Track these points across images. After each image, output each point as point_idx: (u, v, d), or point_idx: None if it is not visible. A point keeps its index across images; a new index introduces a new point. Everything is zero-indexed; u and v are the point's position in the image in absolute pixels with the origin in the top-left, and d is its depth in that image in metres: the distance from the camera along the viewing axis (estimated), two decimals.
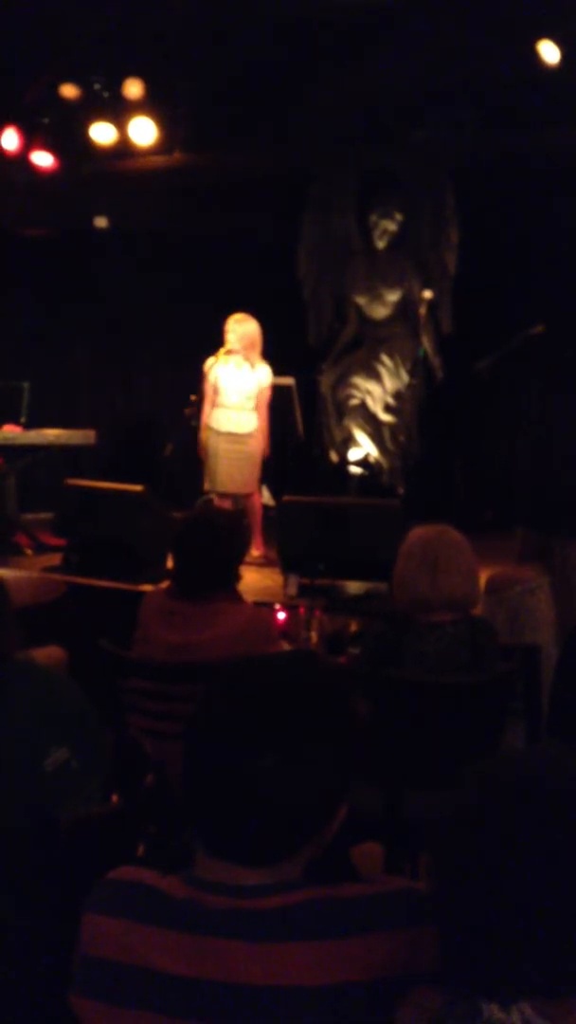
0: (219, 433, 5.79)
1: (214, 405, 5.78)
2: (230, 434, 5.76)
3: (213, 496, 5.93)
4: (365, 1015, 1.05)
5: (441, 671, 2.59)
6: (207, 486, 5.90)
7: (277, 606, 3.40)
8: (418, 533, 2.72)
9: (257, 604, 3.66)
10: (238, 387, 5.75)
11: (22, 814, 1.68)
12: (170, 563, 5.33)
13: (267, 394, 5.84)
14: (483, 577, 3.27)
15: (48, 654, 2.16)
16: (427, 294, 6.81)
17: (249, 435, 5.79)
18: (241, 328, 5.70)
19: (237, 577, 2.86)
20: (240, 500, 5.88)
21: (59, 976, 1.21)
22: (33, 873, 1.58)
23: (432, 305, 6.96)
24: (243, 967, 1.06)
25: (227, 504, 5.90)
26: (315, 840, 1.14)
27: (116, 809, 1.74)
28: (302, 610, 3.28)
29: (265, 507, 6.23)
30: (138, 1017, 1.07)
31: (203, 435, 5.83)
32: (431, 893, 1.07)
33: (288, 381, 6.92)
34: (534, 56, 5.79)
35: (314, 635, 3.23)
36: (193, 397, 5.71)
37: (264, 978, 1.05)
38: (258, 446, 5.83)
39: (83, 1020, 1.10)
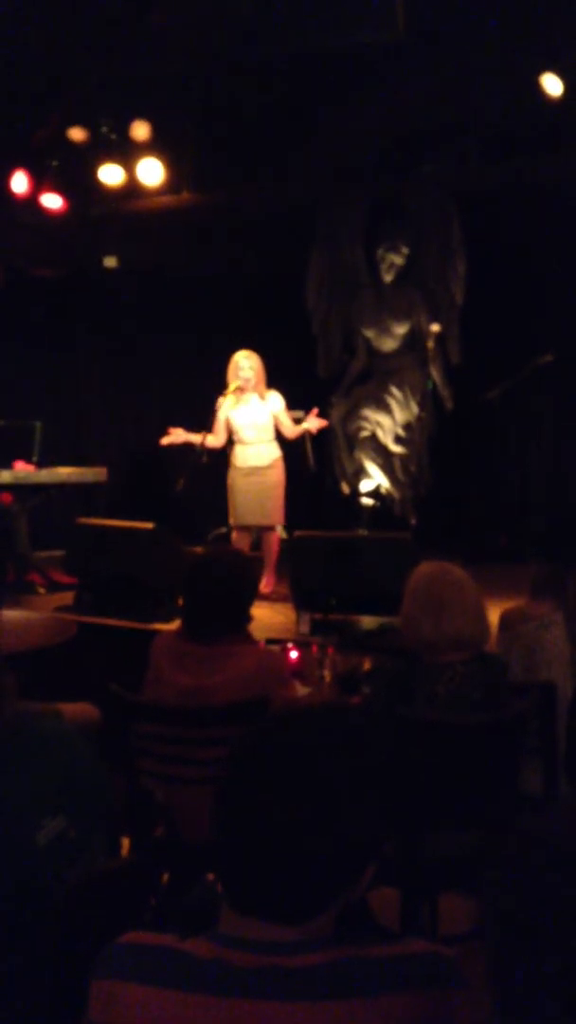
0: (238, 469, 5.85)
1: (232, 443, 5.83)
2: (250, 468, 5.81)
3: (232, 530, 5.96)
4: None
5: (453, 710, 2.56)
6: (231, 520, 5.94)
7: (289, 645, 3.38)
8: (422, 571, 2.69)
9: (269, 641, 3.65)
10: (252, 422, 5.80)
11: (9, 892, 1.56)
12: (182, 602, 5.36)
13: (285, 416, 5.85)
14: (497, 611, 3.24)
15: (79, 711, 2.07)
16: (435, 328, 6.84)
17: (268, 467, 5.84)
18: (252, 362, 5.75)
19: (248, 618, 2.84)
20: (259, 534, 5.89)
21: None
22: (26, 947, 1.52)
23: (440, 337, 6.98)
24: None
25: (245, 538, 5.91)
26: (347, 896, 1.13)
27: (125, 864, 1.68)
28: (315, 649, 3.26)
29: (282, 541, 6.23)
30: None
31: (229, 474, 5.87)
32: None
33: (299, 415, 6.94)
34: (537, 88, 5.84)
35: (327, 674, 3.20)
36: (203, 436, 5.74)
37: None
38: (279, 477, 5.85)
39: None
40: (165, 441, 5.87)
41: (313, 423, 5.95)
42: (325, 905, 1.11)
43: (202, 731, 2.53)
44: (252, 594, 2.83)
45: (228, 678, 2.62)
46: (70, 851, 1.66)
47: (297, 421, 5.98)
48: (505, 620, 3.17)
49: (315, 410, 5.99)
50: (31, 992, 1.50)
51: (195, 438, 5.78)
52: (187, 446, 5.83)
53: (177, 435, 5.84)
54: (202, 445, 5.70)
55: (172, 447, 5.90)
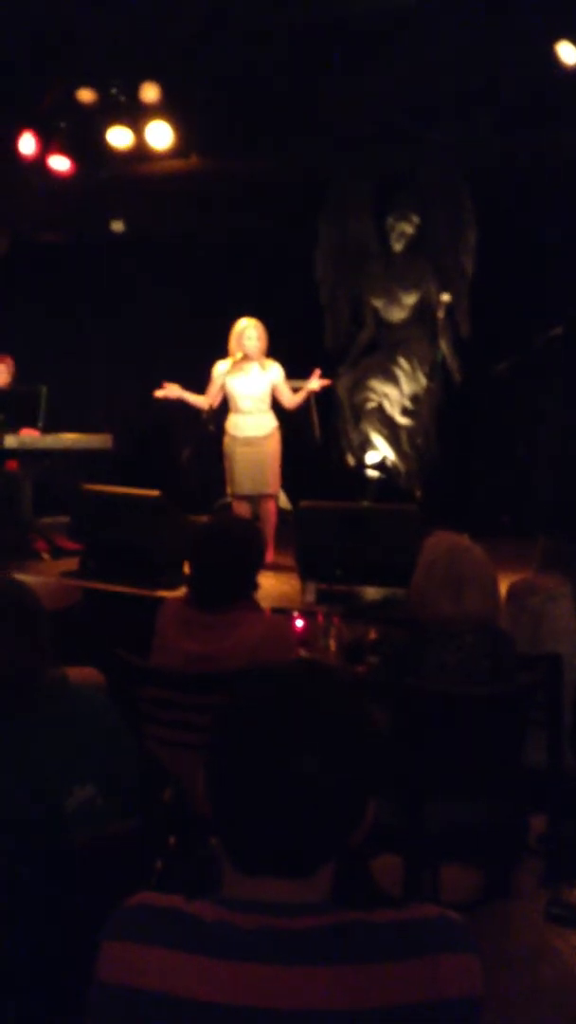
0: (236, 439, 5.80)
1: (229, 411, 5.79)
2: (247, 438, 5.76)
3: (231, 499, 5.93)
4: None
5: (461, 681, 2.56)
6: (228, 490, 5.91)
7: (295, 614, 3.39)
8: (441, 546, 2.66)
9: (274, 610, 3.65)
10: (250, 392, 5.74)
11: (35, 856, 1.57)
12: (187, 569, 5.36)
13: (285, 386, 5.81)
14: (503, 585, 3.24)
15: (84, 675, 2.07)
16: (445, 297, 6.78)
17: (265, 437, 5.78)
18: (257, 332, 5.69)
19: (255, 586, 2.84)
20: (257, 503, 5.86)
21: (74, 1002, 1.19)
22: (47, 900, 1.53)
23: (450, 308, 6.93)
24: (276, 991, 1.05)
25: (244, 507, 5.89)
26: (343, 848, 1.13)
27: (135, 827, 1.69)
28: (320, 618, 3.27)
29: (282, 511, 6.21)
30: None
31: (224, 442, 5.83)
32: None
33: (299, 384, 6.90)
34: (552, 57, 5.75)
35: (332, 643, 3.21)
36: (207, 404, 5.70)
37: (297, 1002, 1.04)
38: (276, 446, 5.82)
39: None
40: (159, 394, 5.82)
41: (315, 383, 5.88)
42: (325, 855, 1.11)
43: (207, 697, 2.53)
44: (259, 562, 2.82)
45: (235, 645, 2.62)
46: (96, 819, 1.67)
47: (296, 391, 5.93)
48: (512, 592, 3.17)
49: (317, 371, 5.91)
50: (42, 951, 1.51)
51: (197, 400, 5.74)
52: (194, 413, 5.79)
53: (172, 390, 5.79)
54: (208, 413, 5.67)
55: (168, 401, 5.84)
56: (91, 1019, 1.10)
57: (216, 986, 1.05)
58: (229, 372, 5.68)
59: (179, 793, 2.00)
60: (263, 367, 5.74)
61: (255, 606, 2.82)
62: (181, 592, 4.72)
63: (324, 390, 6.77)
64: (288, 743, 1.09)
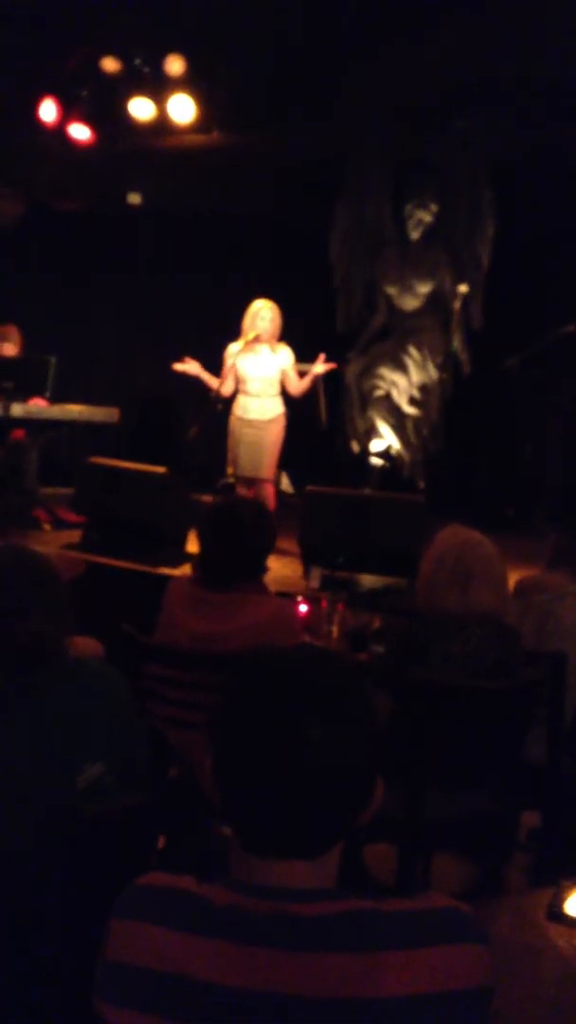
0: (242, 420, 5.76)
1: (237, 392, 5.75)
2: (252, 421, 5.73)
3: (233, 480, 5.90)
4: None
5: (466, 674, 2.56)
6: (230, 470, 5.87)
7: (299, 598, 3.38)
8: (452, 540, 2.64)
9: (278, 595, 3.64)
10: (260, 374, 5.69)
11: (42, 833, 1.56)
12: (190, 547, 5.36)
13: (294, 372, 5.76)
14: (510, 580, 3.23)
15: (85, 645, 2.06)
16: (463, 288, 6.73)
17: (270, 421, 5.74)
18: (272, 314, 5.65)
19: (264, 568, 2.83)
20: (254, 486, 5.84)
21: (79, 978, 1.19)
22: (56, 876, 1.52)
23: (464, 300, 6.90)
24: (287, 977, 1.04)
25: (244, 489, 5.87)
26: (352, 828, 1.13)
27: (141, 803, 1.68)
28: (324, 604, 3.26)
29: (283, 494, 6.19)
30: None
31: (230, 422, 5.79)
32: None
33: (307, 368, 6.87)
34: None
35: (335, 629, 3.21)
36: (220, 383, 5.66)
37: (307, 989, 1.04)
38: (279, 432, 5.78)
39: None
40: (178, 367, 5.75)
41: (320, 367, 5.81)
42: (337, 833, 1.12)
43: (211, 676, 2.53)
44: (270, 544, 2.82)
45: (242, 626, 2.62)
46: (104, 795, 1.66)
47: (303, 376, 5.88)
48: (520, 588, 3.16)
49: (322, 355, 5.85)
50: (50, 928, 1.51)
51: (211, 380, 5.70)
52: (203, 391, 5.75)
53: (191, 366, 5.73)
54: (218, 393, 5.63)
55: (177, 377, 5.78)
56: (99, 997, 1.10)
57: (227, 969, 1.05)
58: (240, 353, 5.63)
59: (185, 770, 1.99)
60: (274, 350, 5.69)
61: (263, 588, 2.82)
62: (183, 570, 4.73)
63: (332, 375, 6.73)
64: (296, 722, 1.09)
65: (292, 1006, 1.03)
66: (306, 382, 5.78)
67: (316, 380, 5.87)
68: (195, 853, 1.79)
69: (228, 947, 1.06)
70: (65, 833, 1.53)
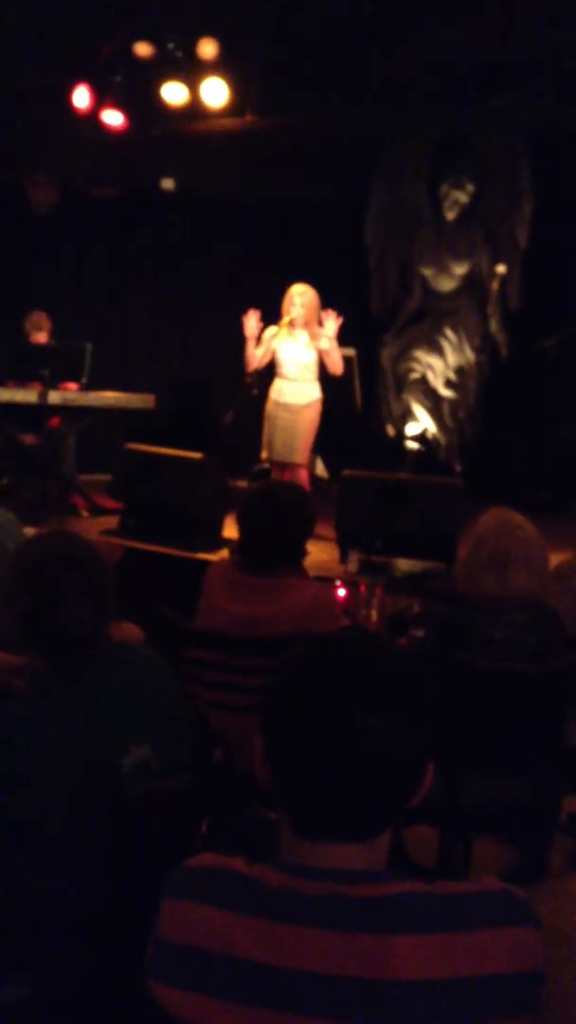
0: (278, 404, 5.74)
1: (274, 376, 5.73)
2: (287, 405, 5.70)
3: (268, 465, 5.89)
4: (464, 1012, 1.04)
5: (508, 658, 2.55)
6: (264, 455, 5.86)
7: (338, 583, 3.38)
8: (492, 522, 2.63)
9: (316, 579, 3.65)
10: (297, 358, 5.66)
11: (90, 814, 1.58)
12: (227, 532, 5.37)
13: (335, 353, 5.64)
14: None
15: (125, 631, 2.08)
16: (501, 269, 6.65)
17: (306, 406, 5.70)
18: (305, 299, 5.61)
19: (303, 552, 2.83)
20: (290, 471, 5.83)
21: (129, 959, 1.20)
22: (105, 859, 1.54)
23: (503, 280, 6.82)
24: (337, 958, 1.05)
25: (279, 473, 5.85)
26: (404, 811, 1.13)
27: (186, 785, 1.69)
28: (363, 588, 3.26)
29: (318, 479, 6.17)
30: (229, 1007, 1.06)
31: (267, 406, 5.77)
32: None
33: (349, 352, 6.83)
34: None
35: (374, 614, 3.21)
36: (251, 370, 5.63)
37: (358, 970, 1.04)
38: (314, 416, 5.75)
39: (166, 1007, 1.09)
40: (246, 319, 5.56)
41: (331, 324, 5.54)
42: (389, 816, 1.12)
43: (253, 660, 2.54)
44: (310, 528, 2.82)
45: (281, 610, 2.63)
46: (150, 778, 1.67)
47: (346, 359, 5.81)
48: (558, 573, 3.13)
49: (331, 311, 5.59)
50: (102, 905, 1.52)
51: (252, 353, 5.54)
52: (238, 374, 5.72)
53: (252, 323, 5.54)
54: (253, 375, 5.61)
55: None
56: (151, 977, 1.11)
57: (279, 950, 1.06)
58: (278, 336, 5.62)
59: (228, 753, 2.01)
60: (313, 336, 5.65)
61: (303, 572, 2.82)
62: (221, 554, 4.75)
63: (367, 358, 6.69)
64: (350, 704, 1.09)
65: (342, 987, 1.04)
66: (335, 356, 5.59)
67: (333, 341, 5.63)
68: (239, 836, 1.80)
69: (279, 928, 1.07)
70: (112, 815, 1.54)
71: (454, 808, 2.56)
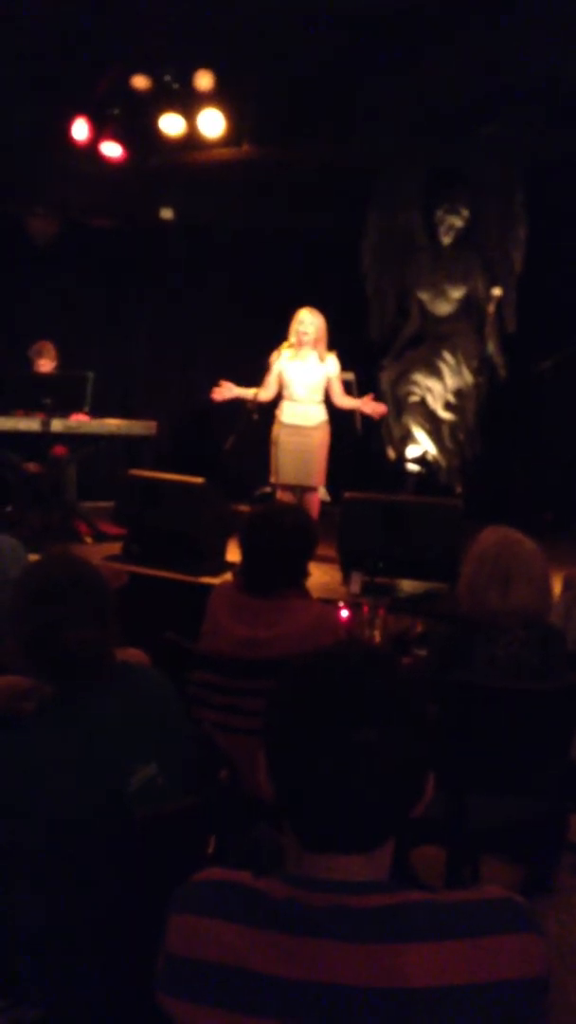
0: (285, 425, 5.75)
1: (281, 398, 5.76)
2: (295, 427, 5.72)
3: (275, 488, 5.91)
4: (475, 1019, 1.05)
5: (511, 676, 2.56)
6: (272, 478, 5.87)
7: (341, 604, 3.39)
8: (492, 539, 2.65)
9: (319, 601, 3.66)
10: (305, 380, 5.69)
11: (98, 836, 1.59)
12: (230, 556, 5.39)
13: (338, 382, 5.78)
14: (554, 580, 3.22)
15: (130, 656, 2.09)
16: (497, 291, 6.69)
17: (314, 428, 5.71)
18: (315, 320, 5.64)
19: (306, 573, 2.85)
20: (300, 494, 5.84)
21: (138, 974, 1.21)
22: (112, 879, 1.54)
23: (498, 303, 6.88)
24: (345, 968, 1.06)
25: (288, 496, 5.87)
26: (405, 821, 1.15)
27: (192, 805, 1.70)
28: (366, 609, 3.27)
29: (320, 502, 6.19)
30: (238, 1019, 1.07)
31: (273, 429, 5.81)
32: None
33: (349, 376, 6.87)
34: None
35: (377, 634, 3.22)
36: (255, 392, 5.69)
37: (366, 980, 1.05)
38: (324, 438, 5.77)
39: (176, 1020, 1.10)
40: (217, 395, 5.79)
41: (369, 406, 5.84)
42: (391, 826, 1.13)
43: (257, 682, 2.55)
44: (312, 550, 2.83)
45: (284, 631, 2.64)
46: (157, 798, 1.68)
47: (347, 383, 5.88)
48: (568, 581, 3.15)
49: (371, 395, 5.92)
50: (109, 925, 1.53)
51: (246, 393, 5.72)
52: (238, 402, 5.78)
53: (228, 389, 5.77)
54: (253, 401, 5.65)
55: (223, 402, 5.82)
56: (161, 990, 1.12)
57: (284, 961, 1.07)
58: (287, 358, 5.67)
59: (234, 773, 2.02)
60: (321, 358, 5.69)
61: (305, 593, 2.83)
62: (224, 578, 4.76)
63: (367, 383, 6.72)
64: (349, 715, 1.10)
65: (349, 997, 1.05)
66: (350, 404, 5.82)
67: (357, 410, 5.92)
68: (245, 855, 1.80)
69: (285, 939, 1.08)
70: (120, 836, 1.55)
71: (461, 827, 2.56)
